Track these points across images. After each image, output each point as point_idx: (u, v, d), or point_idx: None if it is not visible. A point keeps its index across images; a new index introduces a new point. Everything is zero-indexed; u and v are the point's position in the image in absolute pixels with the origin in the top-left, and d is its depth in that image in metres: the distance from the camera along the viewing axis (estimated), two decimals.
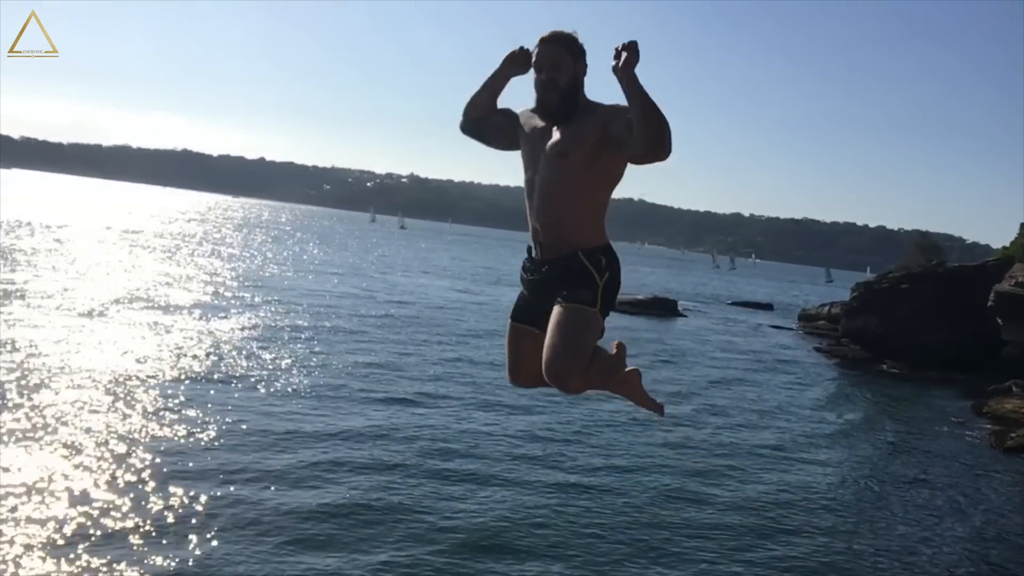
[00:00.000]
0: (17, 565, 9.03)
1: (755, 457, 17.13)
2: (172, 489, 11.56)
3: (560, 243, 3.53)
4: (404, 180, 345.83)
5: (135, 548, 9.77)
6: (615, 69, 3.25)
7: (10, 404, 14.44)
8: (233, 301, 31.46)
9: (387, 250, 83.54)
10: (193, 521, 10.66)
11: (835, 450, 19.05)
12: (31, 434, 13.07)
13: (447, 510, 11.95)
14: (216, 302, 30.68)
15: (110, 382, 16.73)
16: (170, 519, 10.63)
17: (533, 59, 3.58)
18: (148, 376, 17.67)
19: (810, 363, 33.56)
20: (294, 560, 9.89)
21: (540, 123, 3.61)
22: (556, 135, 3.52)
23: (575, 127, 3.48)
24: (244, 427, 14.76)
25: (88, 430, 13.60)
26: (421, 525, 11.31)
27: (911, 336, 33.32)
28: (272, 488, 12.09)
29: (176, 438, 13.80)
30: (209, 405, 15.93)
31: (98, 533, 10.01)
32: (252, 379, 18.62)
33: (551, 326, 3.43)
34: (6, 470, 11.50)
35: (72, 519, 10.28)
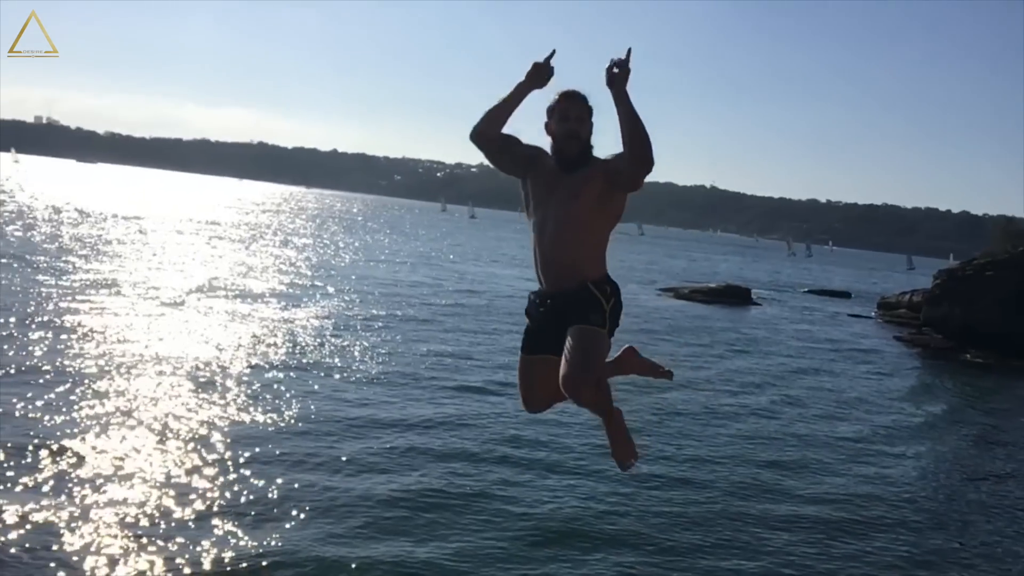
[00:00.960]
0: (101, 547, 9.33)
1: (833, 449, 16.71)
2: (249, 474, 11.81)
3: (571, 276, 3.96)
4: (474, 170, 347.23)
5: (214, 531, 10.00)
6: (609, 81, 3.67)
7: (95, 390, 14.95)
8: (307, 290, 32.03)
9: (457, 239, 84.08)
10: (269, 506, 10.88)
11: (916, 443, 18.47)
12: (114, 419, 13.51)
13: (519, 498, 11.95)
14: (291, 291, 31.28)
15: (190, 369, 17.19)
16: (247, 504, 10.86)
17: (557, 111, 3.94)
18: (226, 363, 18.11)
19: (890, 352, 32.61)
20: (367, 545, 10.01)
21: (551, 169, 4.01)
22: (568, 180, 3.94)
23: (584, 173, 3.94)
24: (319, 414, 15.01)
25: (168, 416, 13.99)
26: (492, 513, 11.34)
27: (996, 325, 32.07)
28: (346, 474, 12.27)
29: (253, 424, 14.11)
30: (285, 392, 16.24)
31: (178, 516, 10.29)
32: (326, 367, 18.93)
33: (569, 345, 3.80)
34: (91, 454, 11.90)
35: (153, 502, 10.58)
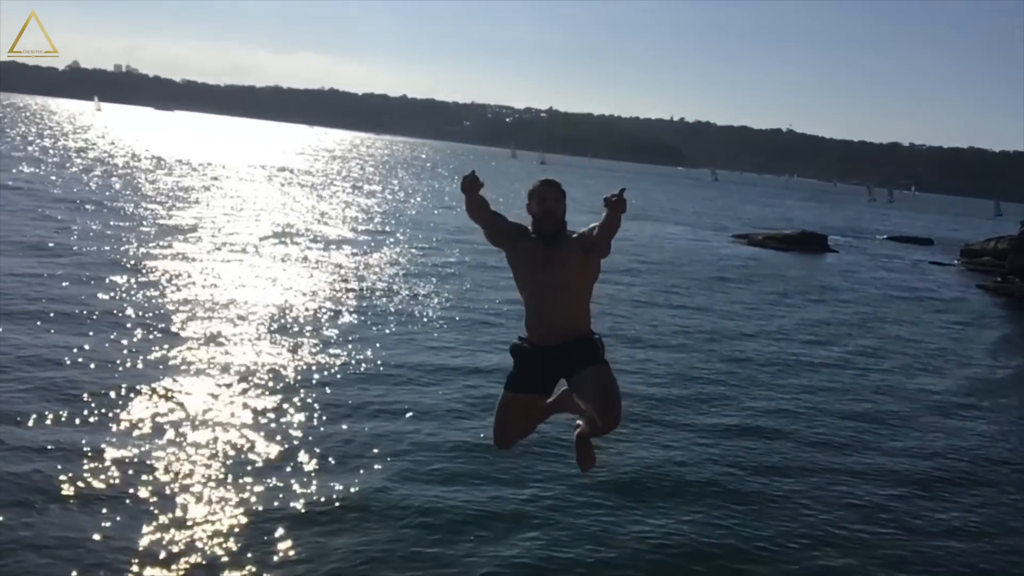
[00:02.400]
0: (177, 485, 9.63)
1: (911, 402, 16.26)
2: (321, 418, 12.03)
3: (570, 330, 4.61)
4: (543, 115, 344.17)
5: (286, 472, 10.24)
6: (608, 206, 4.49)
7: (171, 333, 15.37)
8: (377, 237, 32.30)
9: (526, 186, 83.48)
10: (341, 449, 11.07)
11: (999, 396, 17.84)
12: (188, 362, 13.88)
13: (612, 452, 11.89)
14: (362, 238, 31.58)
15: (264, 314, 17.53)
16: (319, 447, 11.07)
17: (536, 193, 4.76)
18: (299, 308, 18.41)
19: (973, 302, 31.47)
20: (442, 492, 10.12)
21: (533, 243, 4.67)
22: (553, 254, 4.61)
23: (565, 246, 4.62)
24: (390, 360, 15.18)
25: (242, 359, 14.31)
26: (567, 464, 11.33)
27: None
28: (419, 420, 12.41)
29: (324, 368, 14.34)
30: (357, 337, 16.46)
31: (249, 456, 10.55)
32: (397, 313, 19.11)
33: (593, 384, 4.45)
34: (166, 395, 12.27)
35: (226, 443, 10.86)
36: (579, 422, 4.99)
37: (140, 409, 11.61)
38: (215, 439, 10.93)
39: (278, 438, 11.21)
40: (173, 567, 7.99)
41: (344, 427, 11.81)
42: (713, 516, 10.25)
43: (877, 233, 64.49)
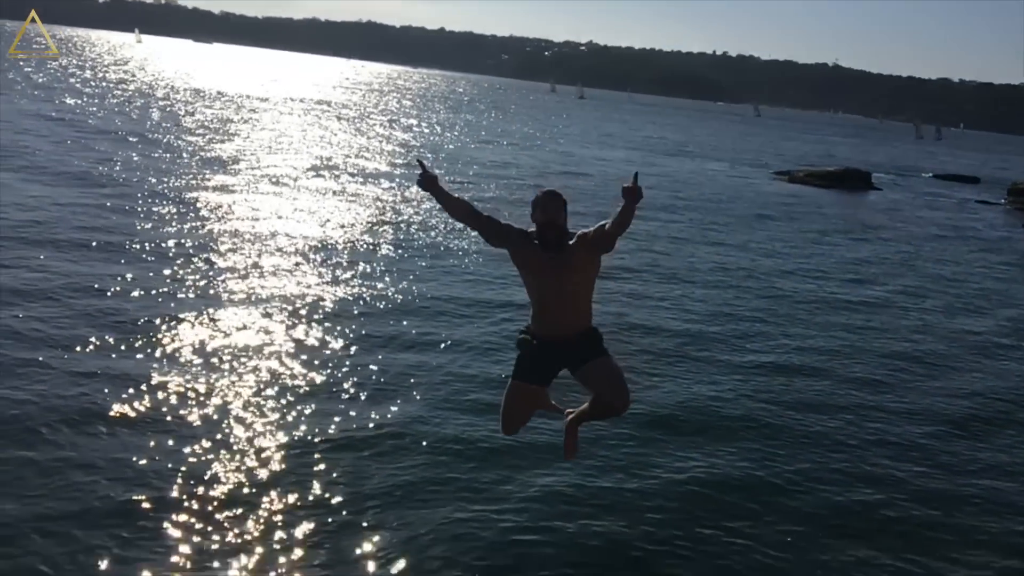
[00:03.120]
0: (219, 415, 9.87)
1: (954, 342, 16.06)
2: (359, 350, 12.20)
3: (577, 327, 5.03)
4: (583, 48, 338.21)
5: (326, 401, 10.44)
6: (625, 195, 4.67)
7: (212, 265, 15.59)
8: (415, 170, 32.03)
9: (565, 120, 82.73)
10: (379, 380, 11.23)
11: None
12: (232, 293, 14.09)
13: (645, 386, 11.95)
14: (398, 171, 31.55)
15: (303, 245, 17.69)
16: (357, 377, 11.24)
17: (539, 203, 5.00)
18: (337, 241, 18.56)
19: (1020, 241, 30.78)
20: (476, 421, 10.25)
21: (536, 252, 4.98)
22: (557, 258, 4.93)
23: (569, 252, 4.93)
24: (426, 292, 15.29)
25: (281, 291, 14.50)
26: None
27: None
28: (455, 352, 12.53)
29: (363, 299, 14.49)
30: (394, 269, 16.59)
31: (291, 386, 10.75)
32: (433, 246, 19.18)
33: (605, 372, 4.93)
34: (211, 324, 12.49)
35: (267, 373, 11.07)
36: (569, 410, 5.47)
37: (182, 336, 11.84)
38: (256, 367, 11.14)
39: (317, 366, 11.40)
40: (215, 487, 8.24)
41: (381, 357, 11.97)
42: (747, 451, 10.29)
43: (923, 171, 63.04)
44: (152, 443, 8.94)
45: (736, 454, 10.19)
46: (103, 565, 7.01)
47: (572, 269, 4.92)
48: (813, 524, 8.78)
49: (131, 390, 10.04)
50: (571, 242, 4.94)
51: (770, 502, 9.14)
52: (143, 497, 7.95)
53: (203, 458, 8.75)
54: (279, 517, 7.91)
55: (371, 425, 9.90)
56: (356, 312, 13.83)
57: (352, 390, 10.82)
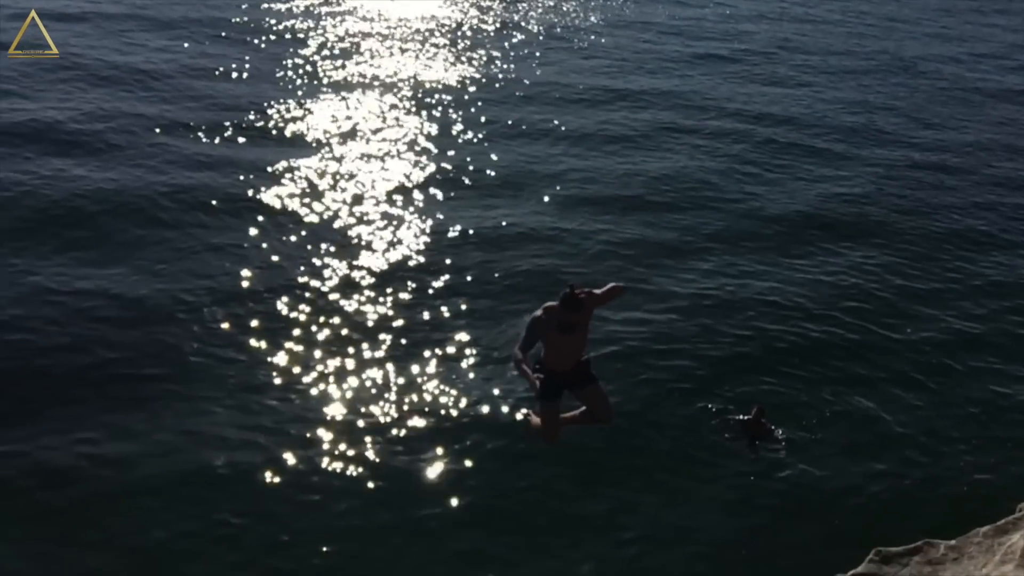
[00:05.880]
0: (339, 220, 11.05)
1: None
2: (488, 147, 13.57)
3: (576, 362, 6.65)
4: None
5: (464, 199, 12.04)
6: (612, 291, 6.52)
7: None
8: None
9: None
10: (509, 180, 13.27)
11: None
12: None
13: (742, 195, 12.35)
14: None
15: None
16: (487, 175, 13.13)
17: (567, 304, 6.24)
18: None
19: None
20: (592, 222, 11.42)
21: (555, 332, 6.36)
22: (572, 330, 6.39)
23: (577, 319, 6.35)
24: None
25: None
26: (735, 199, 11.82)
27: None
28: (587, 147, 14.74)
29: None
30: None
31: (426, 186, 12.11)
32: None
33: (597, 395, 6.82)
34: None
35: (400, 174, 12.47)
36: (565, 415, 6.97)
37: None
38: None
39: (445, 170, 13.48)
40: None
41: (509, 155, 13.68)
42: (875, 255, 10.18)
43: None
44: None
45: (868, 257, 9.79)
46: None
47: (580, 330, 6.46)
48: None
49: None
50: (584, 301, 6.30)
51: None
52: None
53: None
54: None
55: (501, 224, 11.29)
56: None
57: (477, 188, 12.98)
